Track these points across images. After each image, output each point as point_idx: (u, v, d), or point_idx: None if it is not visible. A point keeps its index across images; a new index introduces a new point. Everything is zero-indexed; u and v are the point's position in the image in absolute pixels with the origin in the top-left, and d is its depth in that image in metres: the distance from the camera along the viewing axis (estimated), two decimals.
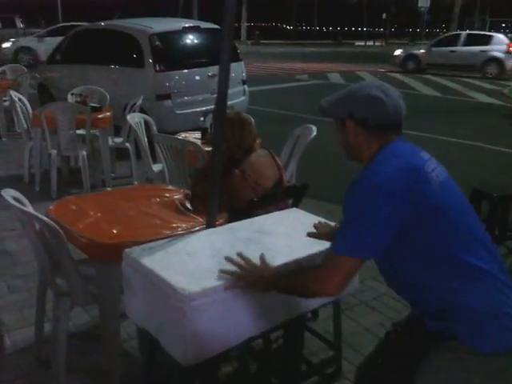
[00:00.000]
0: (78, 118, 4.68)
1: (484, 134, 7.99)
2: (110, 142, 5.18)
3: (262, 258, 1.69)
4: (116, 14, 18.59)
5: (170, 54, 6.19)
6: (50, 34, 17.04)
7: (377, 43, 40.84)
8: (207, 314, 1.58)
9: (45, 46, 16.09)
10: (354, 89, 1.53)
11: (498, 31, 24.95)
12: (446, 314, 1.39)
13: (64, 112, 4.67)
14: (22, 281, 3.16)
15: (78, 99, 5.39)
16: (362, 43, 40.63)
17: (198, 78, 6.25)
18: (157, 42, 6.03)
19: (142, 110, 5.40)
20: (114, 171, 5.39)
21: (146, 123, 4.50)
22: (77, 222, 2.22)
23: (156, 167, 4.02)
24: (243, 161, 2.63)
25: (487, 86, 14.19)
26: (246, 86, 7.00)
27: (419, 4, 26.24)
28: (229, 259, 1.68)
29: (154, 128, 4.44)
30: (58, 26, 18.03)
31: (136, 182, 5.05)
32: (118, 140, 5.33)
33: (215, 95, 2.05)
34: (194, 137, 4.08)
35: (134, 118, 4.41)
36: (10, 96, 5.33)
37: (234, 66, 2.01)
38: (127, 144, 5.20)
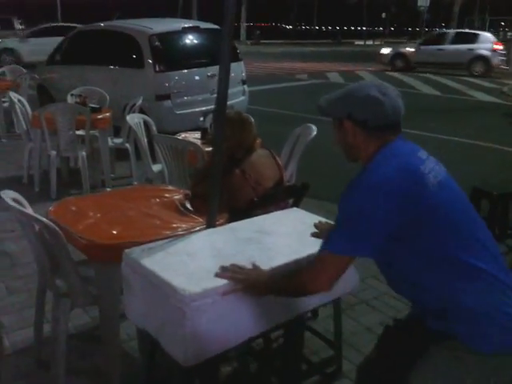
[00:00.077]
0: (77, 119, 4.67)
1: (484, 133, 7.99)
2: (110, 143, 5.18)
3: (254, 265, 1.70)
4: (115, 15, 18.51)
5: (169, 54, 6.19)
6: (34, 34, 16.82)
7: (376, 42, 40.81)
8: (207, 314, 1.58)
9: (28, 46, 15.87)
10: (353, 89, 1.52)
11: (497, 30, 24.92)
12: (446, 313, 1.39)
13: (63, 113, 4.67)
14: (21, 282, 3.16)
15: (78, 100, 5.38)
16: (362, 42, 40.63)
17: (197, 78, 6.24)
18: (156, 43, 6.02)
19: (141, 111, 5.39)
20: (114, 172, 5.39)
21: (146, 124, 4.49)
22: (76, 223, 2.21)
23: (156, 167, 4.01)
24: (244, 160, 2.62)
25: (487, 84, 14.20)
26: (245, 86, 7.00)
27: (419, 3, 26.19)
28: (223, 268, 1.68)
29: (154, 128, 4.44)
30: (41, 27, 17.65)
31: (136, 183, 5.05)
32: (118, 140, 5.32)
33: (215, 95, 2.05)
34: (194, 137, 4.08)
35: (134, 119, 4.40)
36: (10, 97, 5.33)
37: (233, 65, 2.00)
38: (127, 144, 5.20)
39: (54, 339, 2.23)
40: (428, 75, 15.98)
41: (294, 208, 2.52)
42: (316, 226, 2.00)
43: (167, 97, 5.94)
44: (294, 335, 2.05)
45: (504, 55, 16.84)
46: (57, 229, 2.01)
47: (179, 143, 3.57)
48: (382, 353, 1.60)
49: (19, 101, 5.18)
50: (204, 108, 5.94)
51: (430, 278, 1.40)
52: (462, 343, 1.37)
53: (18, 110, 5.13)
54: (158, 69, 5.95)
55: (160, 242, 1.90)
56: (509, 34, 29.91)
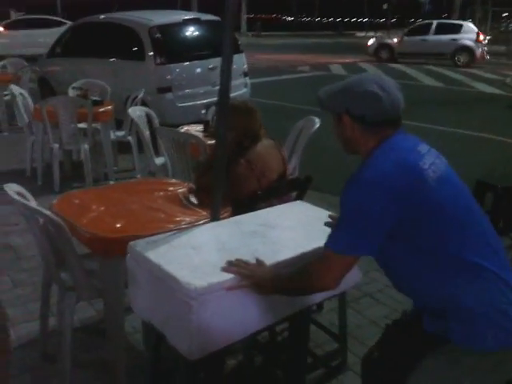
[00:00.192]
0: (79, 112, 4.66)
1: (487, 125, 7.94)
2: (112, 136, 5.16)
3: (258, 260, 1.69)
4: (114, 7, 18.35)
5: (170, 46, 6.15)
6: (9, 27, 16.44)
7: (378, 34, 40.56)
8: (213, 308, 1.58)
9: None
10: (352, 83, 1.51)
11: (499, 21, 24.74)
12: (445, 313, 1.39)
13: (65, 106, 4.66)
14: (26, 275, 3.17)
15: (79, 93, 5.36)
16: (363, 34, 40.37)
17: (198, 70, 6.21)
18: (157, 35, 5.99)
19: (143, 103, 5.38)
20: (117, 165, 5.38)
21: (148, 116, 4.48)
22: (80, 217, 2.21)
23: (158, 160, 4.00)
24: (250, 150, 2.60)
25: (490, 76, 14.12)
26: (247, 78, 6.97)
27: None
28: (228, 262, 1.67)
29: (156, 121, 4.42)
30: (15, 19, 17.43)
31: (138, 176, 5.05)
32: (120, 133, 5.31)
33: (216, 87, 2.03)
34: (196, 130, 4.06)
35: (136, 112, 4.39)
36: (11, 90, 5.31)
37: (235, 57, 1.99)
38: (129, 137, 5.18)
39: (60, 332, 2.24)
40: (431, 67, 15.90)
41: (299, 201, 2.51)
42: (331, 217, 1.96)
43: (168, 89, 5.91)
44: (299, 328, 2.05)
45: (486, 45, 16.93)
46: (61, 222, 2.01)
47: (181, 136, 3.56)
48: (384, 353, 1.60)
49: (20, 94, 5.16)
50: (206, 101, 5.91)
51: (430, 276, 1.39)
52: (458, 345, 1.37)
53: (20, 103, 5.12)
54: (158, 61, 5.92)
55: (164, 235, 1.90)
56: (511, 25, 29.69)
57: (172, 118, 5.61)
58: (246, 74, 6.92)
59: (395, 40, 17.82)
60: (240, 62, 6.69)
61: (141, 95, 5.34)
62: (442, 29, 16.76)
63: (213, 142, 2.88)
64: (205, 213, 2.25)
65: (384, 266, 1.53)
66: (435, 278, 1.39)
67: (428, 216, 1.37)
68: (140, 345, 2.50)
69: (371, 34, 40.13)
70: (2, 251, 3.51)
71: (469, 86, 12.35)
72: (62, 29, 16.69)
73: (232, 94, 2.00)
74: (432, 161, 1.42)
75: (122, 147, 5.37)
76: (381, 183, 1.36)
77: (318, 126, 3.67)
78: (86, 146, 4.73)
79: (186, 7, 23.14)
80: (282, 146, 2.83)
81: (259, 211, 2.23)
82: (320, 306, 2.77)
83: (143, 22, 6.24)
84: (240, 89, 6.66)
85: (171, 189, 2.65)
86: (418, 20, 26.27)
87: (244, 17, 32.75)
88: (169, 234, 1.92)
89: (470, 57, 16.19)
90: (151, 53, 5.94)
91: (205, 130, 3.99)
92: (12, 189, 2.07)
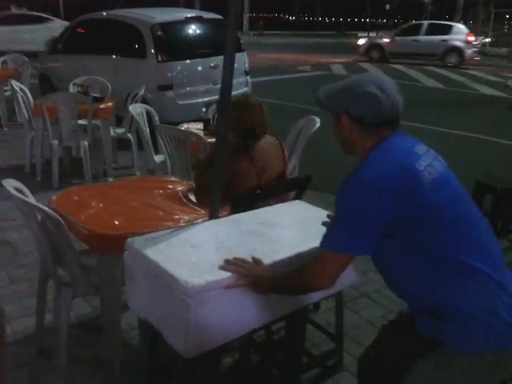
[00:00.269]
0: (79, 108, 4.66)
1: (488, 127, 7.94)
2: (112, 133, 5.16)
3: (254, 259, 1.69)
4: (118, 3, 18.30)
5: (172, 44, 6.15)
6: None
7: (380, 34, 40.54)
8: (210, 306, 1.57)
9: None
10: (352, 83, 1.51)
11: (502, 23, 24.71)
12: (439, 314, 1.39)
13: (66, 102, 4.65)
14: (23, 271, 3.16)
15: (80, 89, 5.35)
16: (365, 34, 40.36)
17: (200, 68, 6.21)
18: (159, 32, 5.98)
19: (144, 101, 5.37)
20: (116, 162, 5.38)
21: (148, 114, 4.47)
22: (79, 213, 2.21)
23: (158, 158, 4.00)
24: (253, 145, 2.59)
25: (491, 78, 14.11)
26: (248, 77, 6.97)
27: None
28: (226, 261, 1.67)
29: (156, 119, 4.42)
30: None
31: (138, 173, 5.05)
32: (120, 130, 5.30)
33: (217, 86, 2.03)
34: (197, 128, 4.06)
35: (136, 109, 4.38)
36: (12, 86, 5.31)
37: (236, 56, 1.98)
38: (129, 134, 5.18)
39: (56, 328, 2.24)
40: (431, 68, 15.90)
41: (298, 200, 2.50)
42: (330, 217, 1.96)
43: (169, 87, 5.91)
44: (295, 328, 2.05)
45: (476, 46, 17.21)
46: (59, 218, 2.01)
47: (181, 134, 3.55)
48: (380, 353, 1.60)
49: (21, 89, 5.15)
50: (206, 99, 5.91)
51: (426, 277, 1.39)
52: (451, 346, 1.37)
53: (20, 99, 5.11)
54: (160, 59, 5.91)
55: (163, 233, 1.89)
56: None
57: (172, 115, 5.61)
58: (247, 73, 6.91)
59: (386, 40, 17.93)
60: (241, 60, 6.68)
61: (141, 92, 5.33)
62: (432, 29, 16.93)
63: (213, 140, 2.87)
64: (203, 211, 2.25)
65: (381, 267, 1.53)
66: (430, 278, 1.39)
67: (426, 217, 1.37)
68: (136, 341, 2.50)
69: (373, 34, 40.17)
70: None
71: (470, 87, 12.35)
72: (49, 25, 16.64)
73: (233, 93, 1.99)
74: (429, 162, 1.42)
75: (122, 144, 5.37)
76: (378, 183, 1.36)
77: (318, 125, 3.66)
78: (86, 143, 4.73)
79: (189, 5, 23.14)
80: (284, 145, 2.82)
81: (258, 210, 2.22)
82: (317, 305, 2.78)
83: (145, 19, 6.23)
84: (241, 87, 6.65)
85: (170, 187, 2.65)
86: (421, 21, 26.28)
87: (246, 16, 32.75)
88: (167, 231, 1.92)
89: (460, 57, 16.34)
90: (153, 50, 5.93)
91: (205, 129, 3.99)
92: (10, 184, 2.07)
